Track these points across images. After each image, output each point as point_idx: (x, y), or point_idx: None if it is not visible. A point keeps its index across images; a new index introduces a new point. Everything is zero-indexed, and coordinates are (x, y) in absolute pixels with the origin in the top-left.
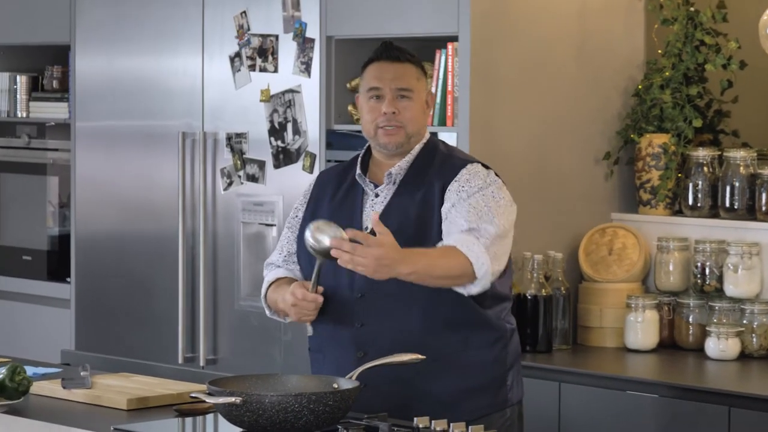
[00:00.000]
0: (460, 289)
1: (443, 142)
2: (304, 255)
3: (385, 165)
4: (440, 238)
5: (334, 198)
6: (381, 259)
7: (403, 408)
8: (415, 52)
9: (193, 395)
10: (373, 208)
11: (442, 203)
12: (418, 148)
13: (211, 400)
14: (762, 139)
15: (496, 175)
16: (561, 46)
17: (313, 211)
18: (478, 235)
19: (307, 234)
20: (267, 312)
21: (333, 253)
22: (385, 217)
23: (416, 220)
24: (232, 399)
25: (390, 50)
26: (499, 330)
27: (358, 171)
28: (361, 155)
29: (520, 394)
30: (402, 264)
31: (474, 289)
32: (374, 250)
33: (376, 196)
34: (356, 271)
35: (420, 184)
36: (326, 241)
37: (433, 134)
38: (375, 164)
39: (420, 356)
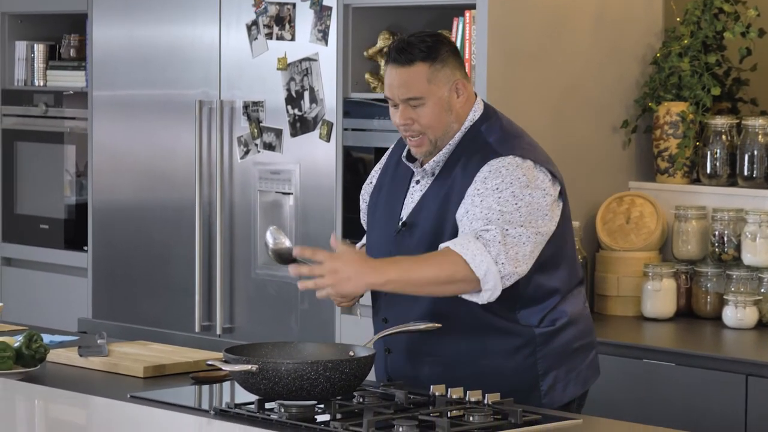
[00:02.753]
0: (472, 297)
1: (496, 119)
2: (367, 227)
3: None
4: None
5: (396, 170)
6: (337, 272)
7: None
8: (423, 25)
9: (209, 363)
10: (412, 196)
11: (460, 203)
12: (458, 137)
13: (227, 368)
14: None
15: (536, 164)
16: (579, 13)
17: (383, 177)
18: (478, 236)
19: (268, 234)
20: None
21: (292, 271)
22: (416, 211)
23: (435, 219)
24: (248, 366)
25: (397, 52)
26: (523, 336)
27: (405, 153)
28: None
29: (570, 394)
30: (368, 275)
31: (485, 295)
32: (328, 264)
33: (417, 182)
34: (323, 294)
35: (453, 176)
36: (286, 242)
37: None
38: None
39: (436, 324)
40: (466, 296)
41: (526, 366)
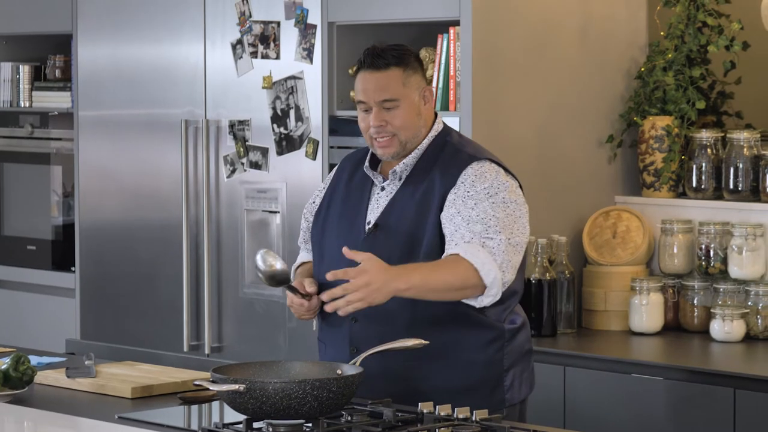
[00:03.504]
0: (470, 302)
1: (457, 133)
2: (315, 244)
3: (393, 161)
4: (434, 242)
5: (349, 184)
6: (369, 284)
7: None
8: (408, 42)
9: (196, 383)
10: (377, 202)
11: (442, 205)
12: (426, 143)
13: (214, 388)
14: (766, 120)
15: (506, 171)
16: (563, 28)
17: (331, 195)
18: (484, 244)
19: (258, 258)
20: None
21: (325, 301)
22: (386, 213)
23: (413, 219)
24: (235, 386)
25: (372, 58)
26: (495, 330)
27: (366, 163)
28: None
29: (523, 394)
30: (395, 281)
31: (485, 300)
32: (360, 279)
33: (382, 189)
34: (356, 309)
35: (425, 180)
36: (278, 264)
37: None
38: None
39: (423, 341)
40: (466, 301)
41: (495, 360)
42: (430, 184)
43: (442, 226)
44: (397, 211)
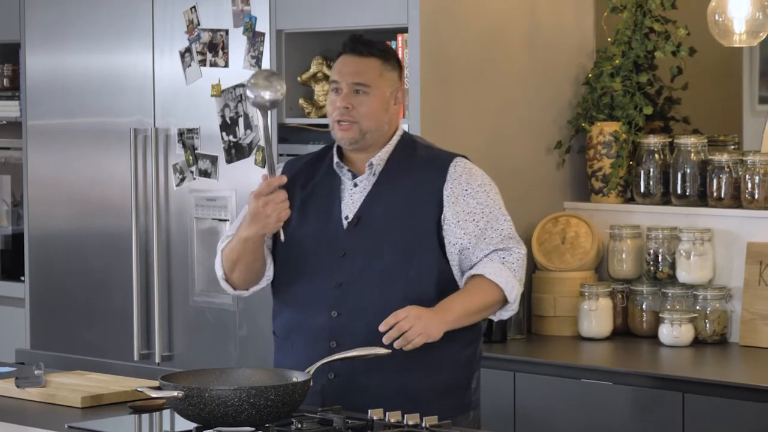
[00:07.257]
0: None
1: (420, 137)
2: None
3: (360, 156)
4: (432, 237)
5: (305, 188)
6: (420, 317)
7: (378, 401)
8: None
9: (138, 389)
10: (352, 197)
11: (436, 201)
12: (395, 139)
13: (155, 395)
14: (712, 126)
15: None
16: (511, 35)
17: (291, 194)
18: (503, 258)
19: (249, 92)
20: (222, 283)
21: (383, 335)
22: (366, 206)
23: (403, 214)
24: (174, 393)
25: (355, 44)
26: (475, 331)
27: (336, 159)
28: (336, 145)
29: (479, 397)
30: (441, 314)
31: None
32: (413, 312)
33: (355, 185)
34: (416, 342)
35: (404, 175)
36: (266, 94)
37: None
38: (349, 154)
39: (386, 350)
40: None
41: (471, 359)
42: (417, 181)
43: (446, 223)
44: (379, 204)
